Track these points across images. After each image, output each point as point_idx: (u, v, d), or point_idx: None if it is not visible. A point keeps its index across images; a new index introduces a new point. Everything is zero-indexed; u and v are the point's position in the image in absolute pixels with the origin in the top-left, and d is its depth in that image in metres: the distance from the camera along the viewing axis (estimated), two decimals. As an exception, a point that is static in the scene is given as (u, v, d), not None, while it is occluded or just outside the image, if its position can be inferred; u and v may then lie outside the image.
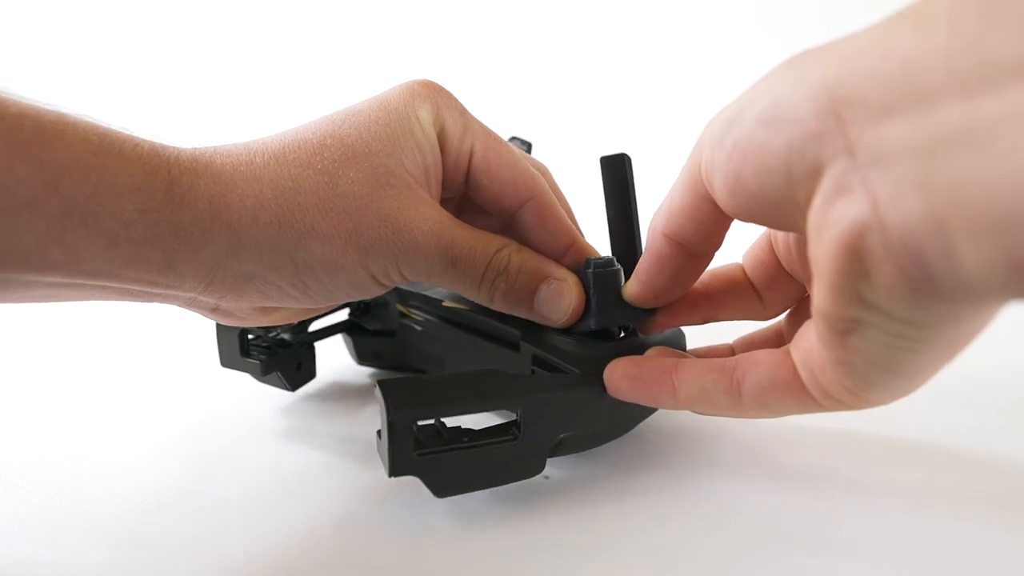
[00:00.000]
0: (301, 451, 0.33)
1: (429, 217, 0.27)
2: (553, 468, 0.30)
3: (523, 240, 0.30)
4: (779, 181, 0.19)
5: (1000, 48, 0.14)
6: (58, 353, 0.49)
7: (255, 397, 0.39)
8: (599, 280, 0.28)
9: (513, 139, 0.38)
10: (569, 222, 0.31)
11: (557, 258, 0.30)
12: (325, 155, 0.26)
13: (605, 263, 0.28)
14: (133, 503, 0.29)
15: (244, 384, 0.39)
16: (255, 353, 0.35)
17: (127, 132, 0.25)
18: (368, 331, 0.40)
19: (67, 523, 0.28)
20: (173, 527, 0.28)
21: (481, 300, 0.29)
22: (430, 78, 0.30)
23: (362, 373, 0.43)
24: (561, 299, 0.28)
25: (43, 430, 0.36)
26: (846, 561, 0.25)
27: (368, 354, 0.41)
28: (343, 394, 0.40)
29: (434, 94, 0.29)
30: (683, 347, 0.32)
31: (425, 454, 0.26)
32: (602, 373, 0.28)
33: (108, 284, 0.25)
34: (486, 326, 0.33)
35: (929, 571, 0.24)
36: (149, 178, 0.24)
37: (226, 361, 0.36)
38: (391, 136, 0.27)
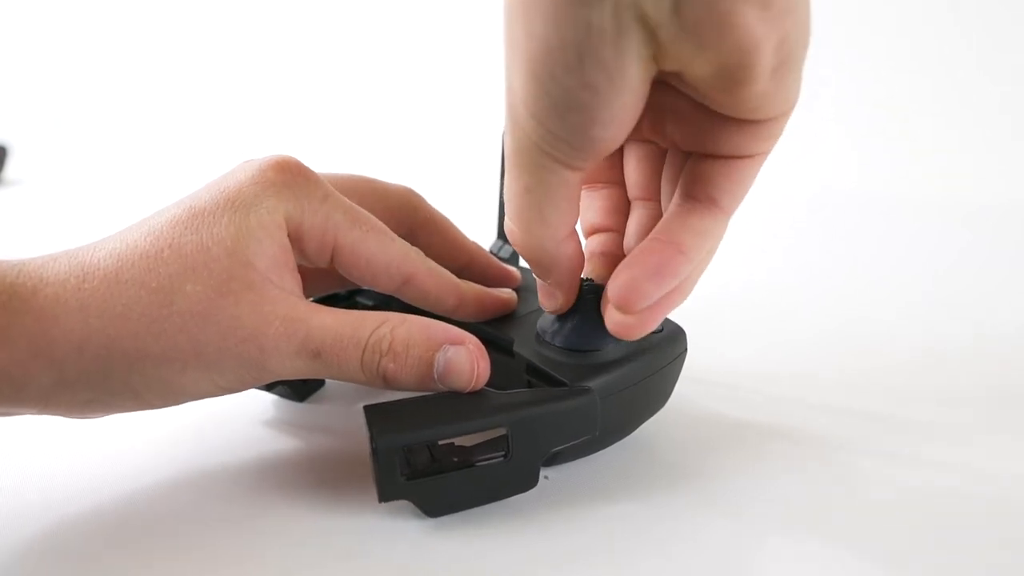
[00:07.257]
0: (294, 448, 0.33)
1: (276, 316, 0.25)
2: (553, 469, 0.30)
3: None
4: None
5: None
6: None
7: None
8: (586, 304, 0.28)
9: None
10: (452, 281, 0.30)
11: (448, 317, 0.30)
12: (161, 270, 0.25)
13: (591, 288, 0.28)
14: (121, 498, 0.29)
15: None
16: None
17: None
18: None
19: (52, 521, 0.28)
20: (161, 522, 0.28)
21: (373, 386, 0.27)
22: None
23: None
24: (462, 366, 0.26)
25: (34, 427, 0.36)
26: (851, 554, 0.24)
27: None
28: (342, 391, 0.39)
29: (289, 182, 0.27)
30: (685, 345, 0.31)
31: (414, 478, 0.25)
32: (593, 382, 0.27)
33: None
34: (479, 331, 0.32)
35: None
36: None
37: None
38: (234, 236, 0.25)
